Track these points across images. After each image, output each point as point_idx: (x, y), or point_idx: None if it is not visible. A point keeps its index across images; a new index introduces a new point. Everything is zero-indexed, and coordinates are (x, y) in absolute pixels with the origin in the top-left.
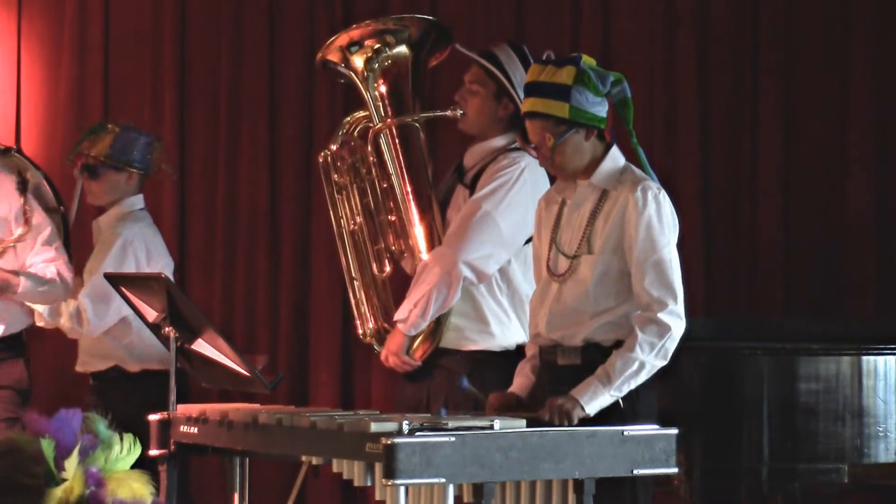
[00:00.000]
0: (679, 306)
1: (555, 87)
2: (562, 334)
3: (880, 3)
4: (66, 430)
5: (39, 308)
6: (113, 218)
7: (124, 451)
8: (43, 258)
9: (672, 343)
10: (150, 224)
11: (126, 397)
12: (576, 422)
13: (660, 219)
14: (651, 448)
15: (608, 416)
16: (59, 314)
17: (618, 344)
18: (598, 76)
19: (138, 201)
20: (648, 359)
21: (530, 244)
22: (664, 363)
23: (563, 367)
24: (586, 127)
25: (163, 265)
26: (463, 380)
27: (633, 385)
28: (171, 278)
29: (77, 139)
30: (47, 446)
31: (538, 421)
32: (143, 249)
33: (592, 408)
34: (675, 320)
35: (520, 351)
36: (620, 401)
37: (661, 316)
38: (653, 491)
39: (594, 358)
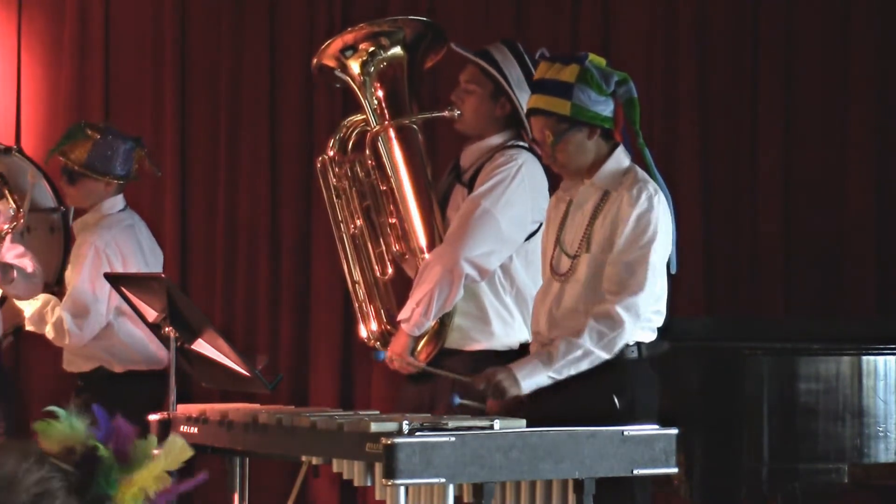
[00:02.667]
0: (640, 306)
1: (558, 84)
2: (560, 333)
3: (881, 3)
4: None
5: (27, 312)
6: (87, 223)
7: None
8: (15, 252)
9: (621, 339)
10: (127, 226)
11: (112, 398)
12: (507, 398)
13: (648, 219)
14: (651, 448)
15: (607, 415)
16: (45, 322)
17: None
18: (602, 75)
19: (118, 202)
20: (593, 348)
21: (532, 241)
22: (608, 356)
23: None
24: (589, 125)
25: (140, 269)
26: (454, 397)
27: (572, 371)
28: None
29: None
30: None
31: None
32: (118, 255)
33: (528, 385)
34: (631, 318)
35: (523, 350)
36: (617, 400)
37: (618, 309)
38: (652, 491)
39: None
